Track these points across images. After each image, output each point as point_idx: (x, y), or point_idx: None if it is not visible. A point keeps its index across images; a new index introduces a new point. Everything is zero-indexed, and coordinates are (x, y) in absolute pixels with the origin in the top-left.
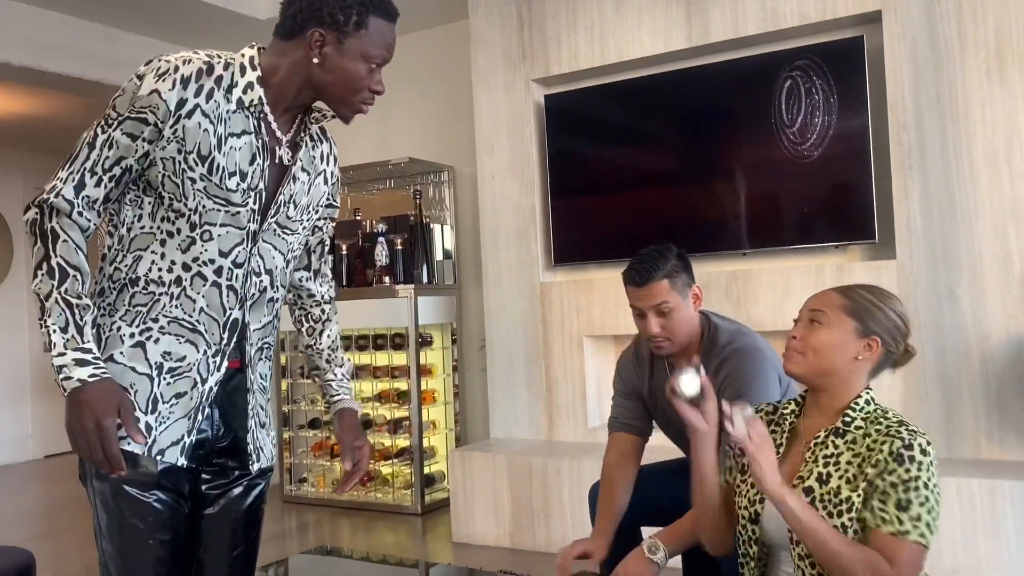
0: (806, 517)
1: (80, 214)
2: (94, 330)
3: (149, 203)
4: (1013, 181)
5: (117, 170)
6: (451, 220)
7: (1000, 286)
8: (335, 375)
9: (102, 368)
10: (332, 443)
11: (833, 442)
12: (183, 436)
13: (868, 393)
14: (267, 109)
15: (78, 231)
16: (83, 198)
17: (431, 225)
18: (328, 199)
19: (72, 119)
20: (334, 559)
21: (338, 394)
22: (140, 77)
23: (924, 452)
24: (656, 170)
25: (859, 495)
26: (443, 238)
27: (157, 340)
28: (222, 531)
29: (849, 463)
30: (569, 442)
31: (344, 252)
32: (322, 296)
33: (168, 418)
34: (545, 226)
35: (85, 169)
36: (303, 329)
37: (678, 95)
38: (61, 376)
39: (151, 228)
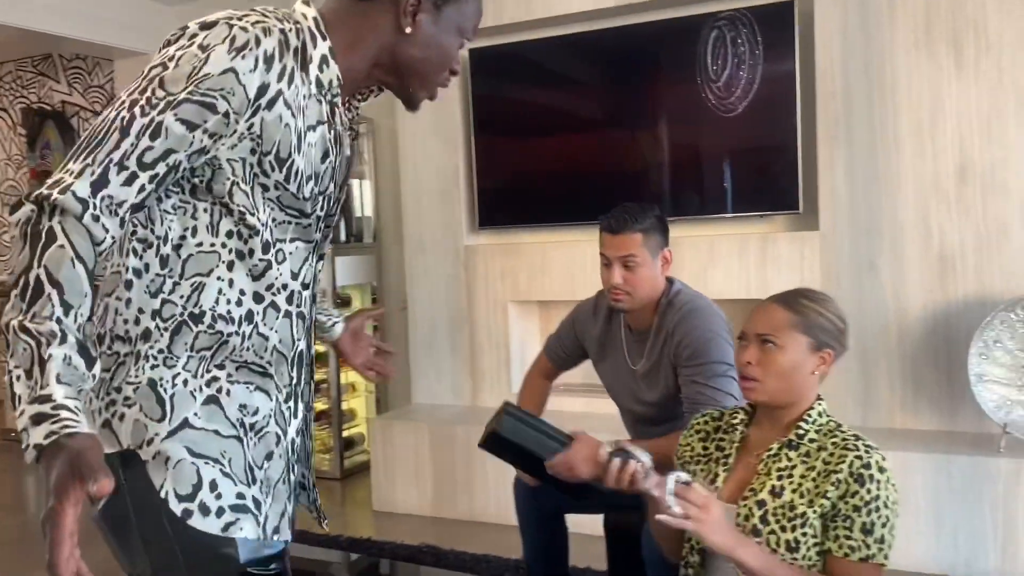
0: (760, 565)
1: (95, 219)
2: (75, 369)
3: (206, 211)
4: (936, 155)
5: (162, 167)
6: (371, 175)
7: (919, 260)
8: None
9: (64, 421)
10: None
11: (787, 455)
12: (286, 505)
13: (820, 405)
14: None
15: (87, 240)
16: (103, 199)
17: (350, 180)
18: None
19: None
20: None
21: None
22: (204, 48)
23: (881, 469)
24: (585, 132)
25: (815, 511)
26: (363, 194)
27: (228, 392)
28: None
29: (803, 476)
30: (493, 408)
31: None
32: None
33: (269, 486)
34: (469, 187)
35: (111, 161)
36: None
37: (607, 53)
38: (23, 445)
39: (213, 246)
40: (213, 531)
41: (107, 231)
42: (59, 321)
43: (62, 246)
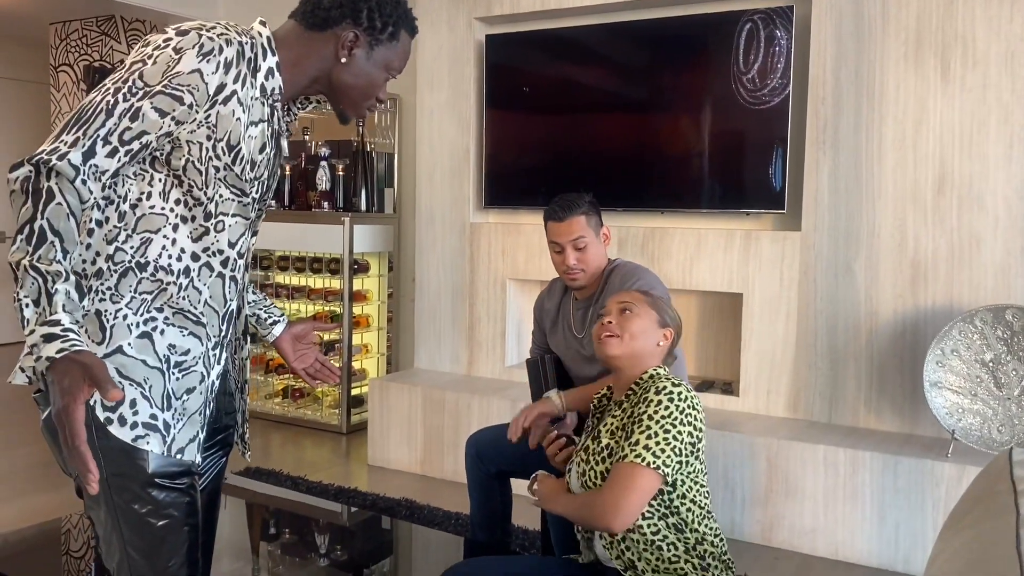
0: (561, 509)
1: (84, 183)
2: (73, 301)
3: (160, 181)
4: (916, 165)
5: (136, 144)
6: (396, 149)
7: (893, 266)
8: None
9: (71, 340)
10: (268, 358)
11: (612, 411)
12: (197, 433)
13: (655, 370)
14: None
15: (77, 200)
16: (91, 167)
17: (373, 153)
18: None
19: None
20: (255, 482)
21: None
22: (177, 51)
23: (659, 391)
24: (589, 123)
25: (616, 442)
26: (387, 166)
27: (163, 332)
28: (210, 503)
29: (614, 418)
30: (487, 378)
31: (287, 174)
32: None
33: (183, 415)
34: (479, 167)
35: (99, 136)
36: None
37: (614, 49)
38: (34, 358)
39: (163, 209)
40: (126, 439)
41: (91, 193)
42: (60, 263)
43: (59, 203)
